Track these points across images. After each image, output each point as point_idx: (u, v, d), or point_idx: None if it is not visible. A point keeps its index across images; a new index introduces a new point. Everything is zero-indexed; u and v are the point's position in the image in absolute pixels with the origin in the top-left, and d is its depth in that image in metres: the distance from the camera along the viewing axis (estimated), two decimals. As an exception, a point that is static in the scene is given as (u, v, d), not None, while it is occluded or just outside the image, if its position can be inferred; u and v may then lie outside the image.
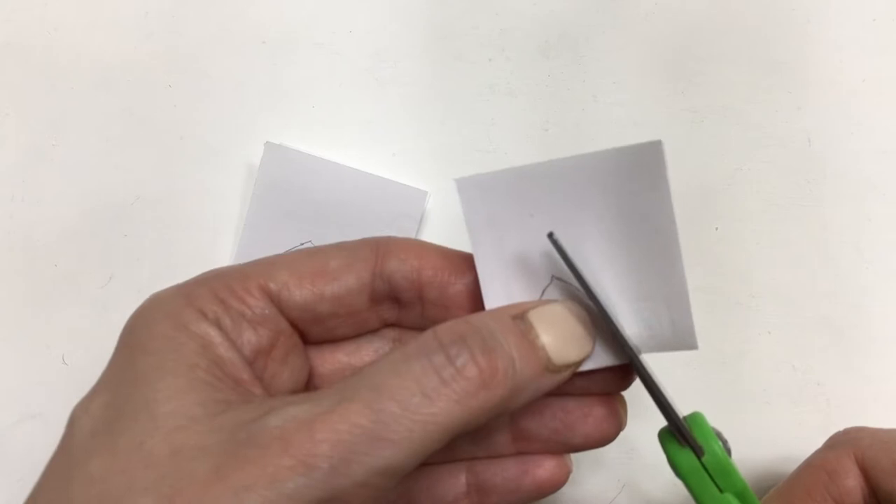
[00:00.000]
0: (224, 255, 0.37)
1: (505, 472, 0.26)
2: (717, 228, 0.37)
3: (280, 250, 0.36)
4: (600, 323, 0.23)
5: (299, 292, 0.24)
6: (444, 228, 0.37)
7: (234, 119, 0.38)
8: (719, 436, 0.24)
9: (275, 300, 0.24)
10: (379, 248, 0.25)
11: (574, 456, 0.33)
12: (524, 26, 0.38)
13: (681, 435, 0.24)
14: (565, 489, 0.35)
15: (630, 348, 0.23)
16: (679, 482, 0.25)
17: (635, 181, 0.21)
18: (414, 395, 0.20)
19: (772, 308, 0.36)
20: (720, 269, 0.37)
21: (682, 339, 0.23)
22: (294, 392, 0.25)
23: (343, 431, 0.19)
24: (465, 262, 0.25)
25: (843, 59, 0.38)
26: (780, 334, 0.36)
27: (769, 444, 0.35)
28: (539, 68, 0.38)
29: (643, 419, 0.35)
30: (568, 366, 0.23)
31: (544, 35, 0.38)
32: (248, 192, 0.37)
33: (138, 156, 0.38)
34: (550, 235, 0.23)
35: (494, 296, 0.24)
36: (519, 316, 0.23)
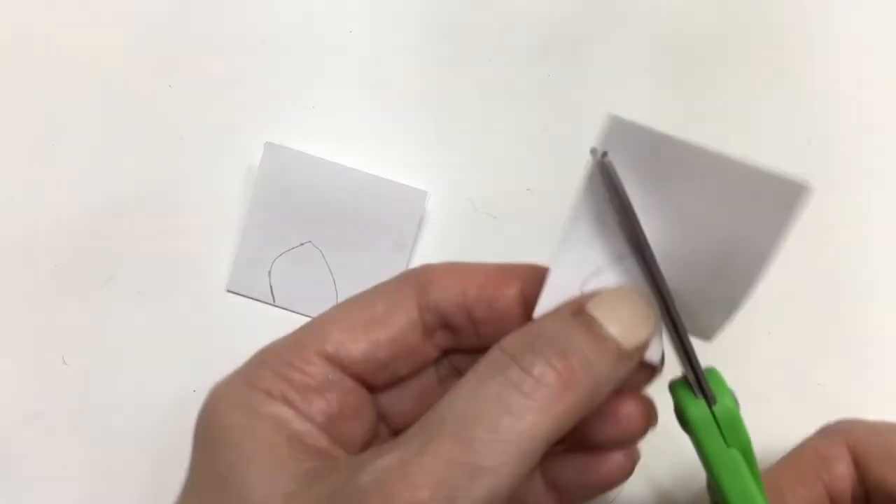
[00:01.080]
0: (224, 255, 0.37)
1: (573, 467, 0.25)
2: (717, 228, 0.37)
3: (280, 250, 0.36)
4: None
5: (356, 346, 0.24)
6: (444, 229, 0.37)
7: (234, 119, 0.38)
8: (731, 392, 0.24)
9: (335, 361, 0.24)
10: (419, 280, 0.25)
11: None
12: (524, 26, 0.38)
13: (697, 382, 0.24)
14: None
15: (663, 286, 0.23)
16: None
17: (766, 202, 0.22)
18: (500, 415, 0.20)
19: (772, 308, 0.36)
20: (720, 269, 0.37)
21: (703, 332, 0.24)
22: (369, 443, 0.25)
23: (439, 471, 0.19)
24: (507, 274, 0.25)
25: (843, 59, 0.37)
26: (780, 334, 0.36)
27: (769, 444, 0.35)
28: (539, 68, 0.38)
29: (643, 419, 0.35)
30: (638, 347, 0.23)
31: (544, 35, 0.38)
32: (248, 192, 0.37)
33: (138, 156, 0.37)
34: (602, 155, 0.22)
35: (565, 264, 0.24)
36: (577, 311, 0.22)
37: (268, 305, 0.37)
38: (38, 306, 0.37)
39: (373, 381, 0.25)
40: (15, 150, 0.38)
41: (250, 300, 0.37)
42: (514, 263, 0.25)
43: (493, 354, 0.21)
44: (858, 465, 0.27)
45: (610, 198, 0.22)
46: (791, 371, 0.36)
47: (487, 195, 0.37)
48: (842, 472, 0.27)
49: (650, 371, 0.24)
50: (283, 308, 0.36)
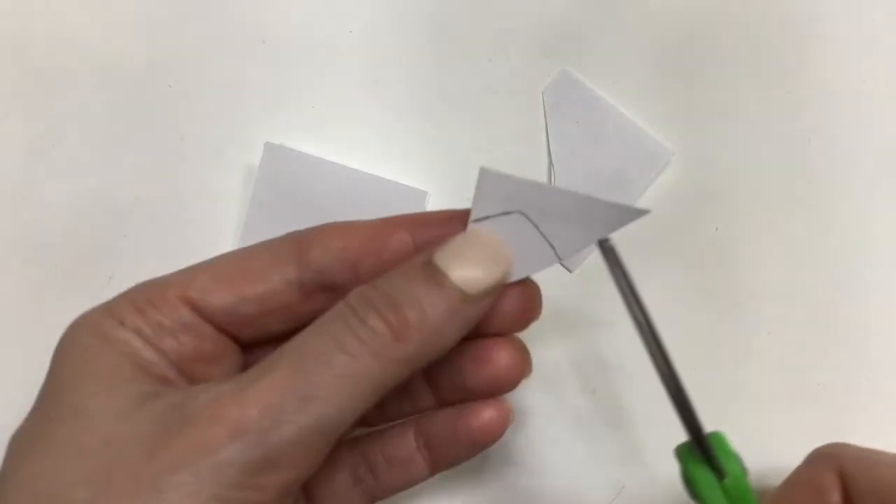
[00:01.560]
0: (224, 255, 0.37)
1: (443, 422, 0.26)
2: (717, 228, 0.37)
3: (280, 250, 0.36)
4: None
5: (219, 297, 0.24)
6: (444, 228, 0.37)
7: (234, 119, 0.38)
8: (738, 457, 0.24)
9: (196, 307, 0.24)
10: (301, 240, 0.25)
11: (573, 457, 0.33)
12: (524, 26, 0.38)
13: (704, 455, 0.24)
14: (564, 490, 0.35)
15: (668, 358, 0.23)
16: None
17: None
18: (335, 352, 0.21)
19: (772, 308, 0.36)
20: (720, 269, 0.37)
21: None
22: None
23: (270, 395, 0.20)
24: (391, 224, 0.25)
25: (843, 59, 0.37)
26: (780, 334, 0.36)
27: (769, 444, 0.35)
28: (539, 68, 0.38)
29: (642, 421, 0.35)
30: (485, 291, 0.23)
31: (544, 35, 0.38)
32: (248, 193, 0.37)
33: (138, 156, 0.38)
34: (603, 241, 0.23)
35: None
36: (426, 261, 0.23)
37: (268, 305, 0.37)
38: (38, 306, 0.37)
39: (239, 333, 0.25)
40: (15, 150, 0.38)
41: (250, 300, 0.37)
42: (400, 214, 0.26)
43: (337, 305, 0.22)
44: (846, 495, 0.27)
45: (615, 277, 0.24)
46: (791, 371, 0.36)
47: (487, 195, 0.37)
48: (835, 502, 0.27)
49: (523, 310, 0.25)
50: (283, 308, 0.37)
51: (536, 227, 0.23)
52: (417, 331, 0.22)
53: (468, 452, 0.26)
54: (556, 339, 0.36)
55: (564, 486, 0.36)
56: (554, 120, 0.37)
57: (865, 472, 0.26)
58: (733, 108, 0.37)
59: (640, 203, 0.37)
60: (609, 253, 0.23)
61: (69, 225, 0.37)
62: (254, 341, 0.26)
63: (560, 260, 0.24)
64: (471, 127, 0.38)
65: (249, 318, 0.25)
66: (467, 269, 0.23)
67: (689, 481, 0.25)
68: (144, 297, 0.24)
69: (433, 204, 0.37)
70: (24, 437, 0.22)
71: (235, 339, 0.25)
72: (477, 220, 0.24)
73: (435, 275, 0.22)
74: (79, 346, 0.23)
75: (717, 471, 0.24)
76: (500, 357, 0.25)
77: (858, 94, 0.37)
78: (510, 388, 0.25)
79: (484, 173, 0.24)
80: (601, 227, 0.23)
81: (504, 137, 0.37)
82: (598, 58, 0.38)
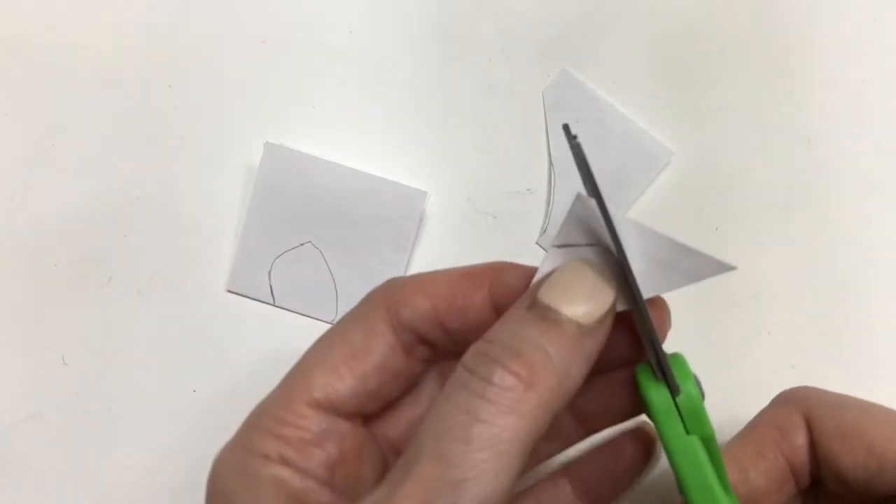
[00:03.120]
0: (224, 255, 0.37)
1: (597, 465, 0.26)
2: (717, 228, 0.37)
3: (280, 250, 0.36)
4: (612, 261, 0.23)
5: (343, 385, 0.24)
6: (444, 229, 0.37)
7: (234, 119, 0.38)
8: (696, 380, 0.24)
9: (325, 406, 0.24)
10: (388, 301, 0.25)
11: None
12: (524, 26, 0.38)
13: (661, 370, 0.23)
14: (565, 489, 0.35)
15: (629, 267, 0.22)
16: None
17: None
18: (470, 425, 0.20)
19: (772, 308, 0.36)
20: (720, 269, 0.37)
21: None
22: (381, 479, 0.25)
23: (423, 493, 0.19)
24: (472, 280, 0.25)
25: (843, 59, 0.37)
26: (780, 334, 0.36)
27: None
28: (539, 68, 0.38)
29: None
30: (600, 320, 0.22)
31: (544, 35, 0.38)
32: (248, 193, 0.37)
33: (138, 156, 0.38)
34: (572, 135, 0.22)
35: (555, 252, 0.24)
36: (531, 304, 0.22)
37: (268, 305, 0.37)
38: (38, 306, 0.37)
39: (368, 410, 0.25)
40: (15, 150, 0.38)
41: (250, 300, 0.37)
42: (477, 267, 0.25)
43: (455, 371, 0.22)
44: (810, 437, 0.27)
45: (579, 170, 0.23)
46: (791, 371, 0.36)
47: (487, 195, 0.37)
48: (800, 443, 0.27)
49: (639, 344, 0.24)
50: (283, 308, 0.37)
51: (624, 264, 0.22)
52: (546, 374, 0.21)
53: (628, 486, 0.26)
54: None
55: (564, 486, 0.36)
56: (554, 120, 0.37)
57: (831, 415, 0.26)
58: (733, 108, 0.37)
59: (640, 203, 0.37)
60: (576, 149, 0.22)
61: (69, 225, 0.37)
62: (379, 414, 0.26)
63: (637, 303, 0.23)
64: (471, 127, 0.38)
65: (374, 393, 0.24)
66: (577, 302, 0.22)
67: (643, 398, 0.24)
68: (274, 419, 0.23)
69: (433, 204, 0.37)
70: None
71: (364, 418, 0.25)
72: (561, 246, 0.24)
73: (547, 314, 0.22)
74: (235, 493, 0.22)
75: (674, 389, 0.23)
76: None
77: (858, 94, 0.37)
78: None
79: (580, 199, 0.23)
80: (686, 275, 0.22)
81: (504, 137, 0.37)
82: (598, 58, 0.38)
